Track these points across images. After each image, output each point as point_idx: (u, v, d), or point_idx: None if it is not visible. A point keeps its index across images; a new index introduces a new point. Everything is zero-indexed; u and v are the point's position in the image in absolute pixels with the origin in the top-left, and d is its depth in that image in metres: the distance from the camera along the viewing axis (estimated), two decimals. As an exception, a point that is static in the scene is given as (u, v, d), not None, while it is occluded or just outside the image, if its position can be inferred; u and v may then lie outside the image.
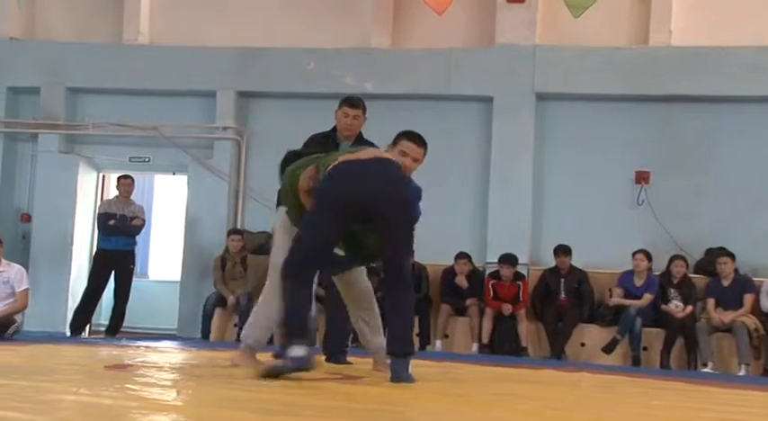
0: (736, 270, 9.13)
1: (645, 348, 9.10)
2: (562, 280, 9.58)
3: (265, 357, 4.88)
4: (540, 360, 8.81)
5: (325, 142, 5.45)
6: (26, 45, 11.07)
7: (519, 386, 4.81)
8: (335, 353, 5.79)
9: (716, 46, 9.90)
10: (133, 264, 10.09)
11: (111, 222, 9.75)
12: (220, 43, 10.73)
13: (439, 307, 9.70)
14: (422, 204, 9.38)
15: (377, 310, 5.34)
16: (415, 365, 5.87)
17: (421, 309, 9.54)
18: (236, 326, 9.69)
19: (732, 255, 9.14)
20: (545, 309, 9.54)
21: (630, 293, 9.30)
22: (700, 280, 9.44)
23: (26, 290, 8.38)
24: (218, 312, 9.83)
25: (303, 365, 4.27)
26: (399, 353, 4.48)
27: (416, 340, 9.31)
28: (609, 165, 10.17)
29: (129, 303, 9.88)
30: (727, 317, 8.89)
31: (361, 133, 5.72)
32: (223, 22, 10.95)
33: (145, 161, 10.88)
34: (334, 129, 5.65)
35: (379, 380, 4.45)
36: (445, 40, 10.47)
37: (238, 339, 9.39)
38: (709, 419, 3.77)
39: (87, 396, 3.32)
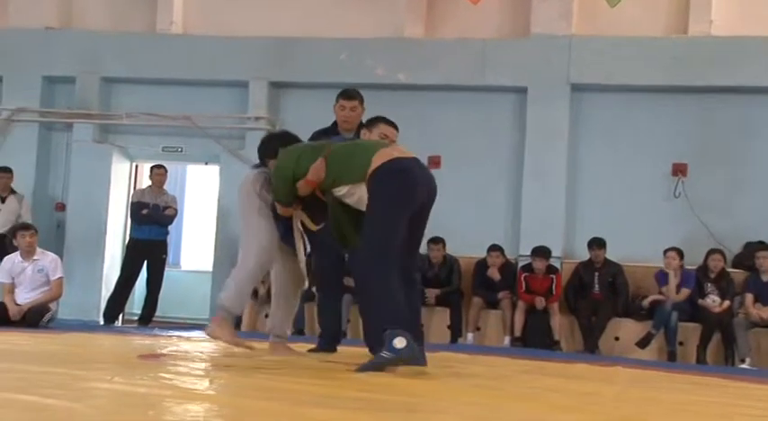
0: (775, 264, 8.99)
1: (681, 343, 9.00)
2: (596, 273, 9.49)
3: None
4: (574, 354, 8.72)
5: (326, 137, 5.47)
6: (62, 34, 11.15)
7: (553, 380, 4.74)
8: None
9: (757, 36, 9.76)
10: (165, 253, 10.14)
11: (144, 212, 9.80)
12: (253, 33, 10.74)
13: (471, 299, 9.64)
14: (453, 195, 9.36)
15: (297, 302, 5.47)
16: (446, 359, 5.85)
17: (453, 301, 9.51)
18: (266, 316, 9.71)
19: (772, 249, 9.00)
20: (579, 303, 9.45)
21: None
22: (738, 274, 9.33)
23: (60, 278, 8.45)
24: (249, 303, 9.83)
25: (408, 355, 4.10)
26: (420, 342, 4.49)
27: (448, 333, 9.41)
28: (645, 158, 10.05)
29: (161, 293, 9.93)
30: (766, 312, 8.75)
31: (361, 123, 5.70)
32: (256, 12, 10.96)
33: (177, 151, 10.92)
34: (335, 124, 5.74)
35: (412, 372, 4.40)
36: (479, 29, 10.41)
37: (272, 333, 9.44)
38: (747, 415, 3.69)
39: (121, 384, 3.31)
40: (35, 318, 8.09)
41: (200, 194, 12.28)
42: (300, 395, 3.32)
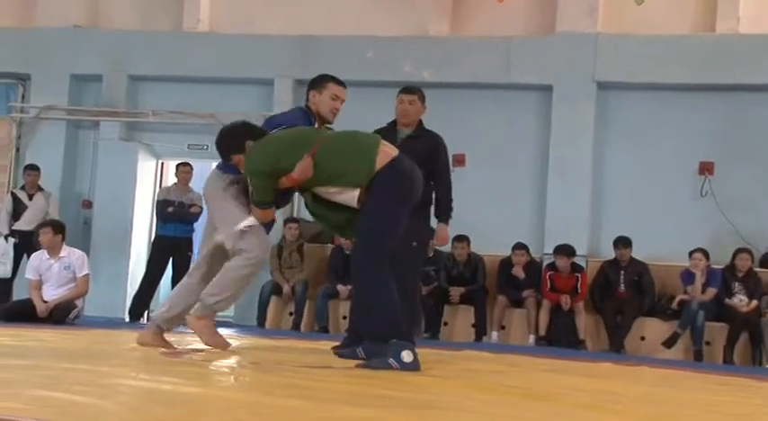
0: (803, 264, 8.91)
1: (707, 343, 8.93)
2: (622, 272, 9.43)
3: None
4: (599, 353, 8.68)
5: (386, 134, 5.40)
6: (89, 33, 11.23)
7: (578, 379, 4.72)
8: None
9: (785, 34, 9.64)
10: (191, 251, 10.17)
11: (170, 209, 9.85)
12: (278, 31, 10.76)
13: (495, 298, 9.62)
14: (478, 193, 9.31)
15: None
16: (471, 357, 5.84)
17: (477, 299, 9.49)
18: (291, 314, 9.74)
19: (800, 249, 8.92)
20: (604, 302, 9.40)
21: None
22: (765, 274, 9.25)
23: (87, 275, 8.50)
24: (273, 300, 9.89)
25: (415, 368, 4.20)
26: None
27: (472, 331, 9.39)
28: (671, 156, 9.98)
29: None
30: (794, 312, 8.67)
31: (421, 121, 5.69)
32: (281, 10, 10.98)
33: (203, 149, 10.96)
34: (394, 122, 5.70)
35: (436, 370, 4.40)
36: (505, 27, 10.37)
37: (297, 328, 9.45)
38: (777, 417, 3.66)
39: (147, 381, 3.34)
40: (61, 315, 8.15)
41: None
42: (327, 393, 3.32)
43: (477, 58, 10.33)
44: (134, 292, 10.10)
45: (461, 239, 9.53)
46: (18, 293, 9.70)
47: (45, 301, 8.25)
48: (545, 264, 9.67)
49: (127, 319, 9.97)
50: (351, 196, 4.47)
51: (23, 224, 9.93)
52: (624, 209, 10.03)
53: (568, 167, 10.00)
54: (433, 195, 5.69)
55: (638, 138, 10.13)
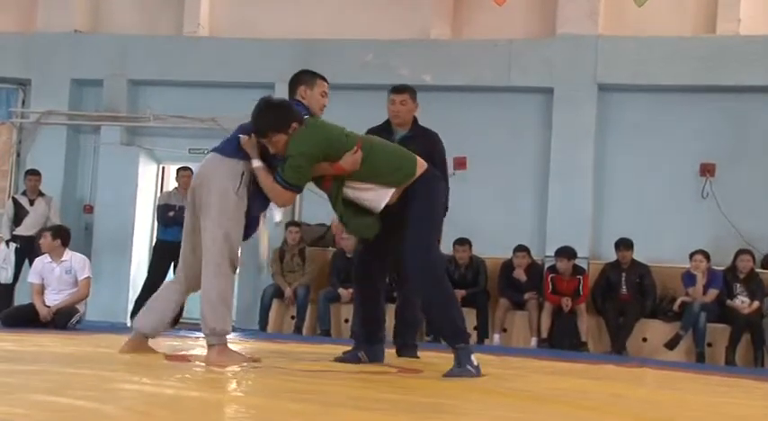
0: (805, 265, 8.90)
1: (709, 344, 8.92)
2: (623, 274, 9.43)
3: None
4: (601, 355, 8.67)
5: (379, 133, 5.40)
6: (90, 38, 11.25)
7: (581, 381, 4.72)
8: (407, 346, 5.67)
9: (785, 35, 9.64)
10: (192, 255, 10.17)
11: (171, 214, 9.84)
12: (279, 35, 10.77)
13: (497, 300, 9.61)
14: (479, 196, 9.36)
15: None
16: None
17: (479, 302, 9.48)
18: (293, 317, 9.74)
19: (802, 250, 8.91)
20: (606, 304, 9.39)
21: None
22: (767, 275, 9.22)
23: (87, 278, 8.48)
24: (275, 304, 9.88)
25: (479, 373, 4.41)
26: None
27: (474, 334, 9.38)
28: (672, 158, 9.98)
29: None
30: (796, 313, 8.66)
31: (415, 119, 5.65)
32: (282, 14, 11.00)
33: (204, 153, 10.87)
34: (388, 122, 5.68)
35: (438, 373, 4.40)
36: (505, 30, 10.37)
37: (299, 331, 9.43)
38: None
39: (150, 385, 3.33)
40: (63, 320, 8.15)
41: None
42: (330, 396, 3.32)
43: (478, 60, 10.34)
44: (135, 297, 10.09)
45: (463, 242, 9.53)
46: (19, 299, 9.70)
47: (47, 306, 8.25)
48: (546, 266, 9.67)
49: (129, 324, 9.96)
50: (381, 195, 4.49)
51: (24, 229, 9.93)
52: (625, 211, 10.02)
53: (570, 170, 10.00)
54: None
55: (639, 140, 10.13)
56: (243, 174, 4.55)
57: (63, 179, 11.00)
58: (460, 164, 9.90)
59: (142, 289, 10.01)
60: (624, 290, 9.41)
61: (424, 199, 4.53)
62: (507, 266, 9.68)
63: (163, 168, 11.46)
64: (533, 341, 9.37)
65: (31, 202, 10.12)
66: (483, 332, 9.40)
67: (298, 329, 9.58)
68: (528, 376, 4.92)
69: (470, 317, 9.51)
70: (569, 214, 9.90)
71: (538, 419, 3.08)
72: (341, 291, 9.56)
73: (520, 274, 9.58)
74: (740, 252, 9.18)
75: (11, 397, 2.90)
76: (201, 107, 10.81)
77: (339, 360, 4.93)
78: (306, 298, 9.70)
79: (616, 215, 10.05)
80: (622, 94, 10.18)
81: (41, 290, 8.36)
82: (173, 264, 9.90)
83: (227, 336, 4.66)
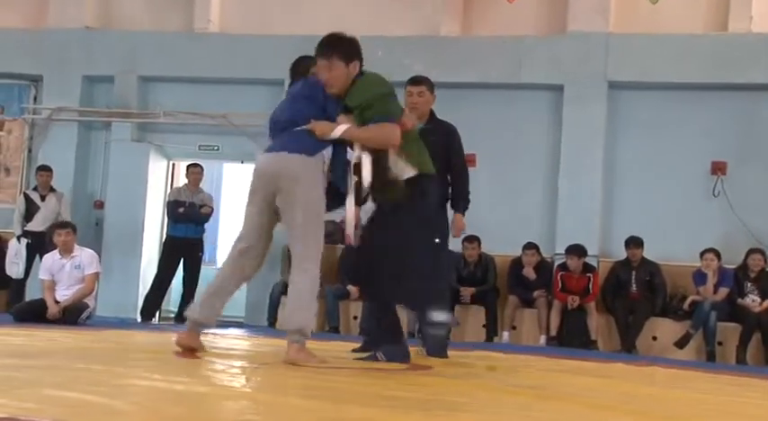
0: (816, 264, 8.86)
1: (720, 343, 8.90)
2: (633, 272, 9.41)
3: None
4: (611, 354, 8.65)
5: None
6: (101, 34, 11.27)
7: (590, 380, 4.71)
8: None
9: (798, 32, 9.60)
10: (202, 251, 10.21)
11: (181, 210, 9.88)
12: (289, 31, 10.75)
13: (506, 298, 9.60)
14: (489, 193, 9.34)
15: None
16: (482, 358, 5.83)
17: (488, 300, 9.47)
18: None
19: (813, 249, 8.87)
20: (616, 302, 9.38)
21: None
22: (778, 274, 9.19)
23: (94, 273, 8.45)
24: (284, 300, 9.83)
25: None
26: None
27: (483, 331, 9.37)
28: (683, 156, 9.94)
29: (197, 290, 9.99)
30: (807, 312, 8.62)
31: (432, 112, 5.64)
32: (292, 10, 10.99)
33: (214, 149, 11.00)
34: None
35: (448, 370, 4.40)
36: (516, 27, 10.35)
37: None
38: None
39: (160, 381, 3.34)
40: (73, 316, 8.17)
41: (237, 193, 12.33)
42: (338, 393, 3.32)
43: (488, 58, 10.31)
44: (145, 292, 10.13)
45: (472, 239, 9.52)
46: (30, 294, 9.74)
47: (57, 302, 8.27)
48: (556, 264, 9.65)
49: (139, 320, 10.00)
50: (405, 169, 4.53)
51: (36, 225, 9.98)
52: (636, 209, 10.00)
53: (579, 167, 9.98)
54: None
55: (649, 138, 10.10)
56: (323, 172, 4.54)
57: (74, 175, 11.03)
58: (470, 161, 9.77)
59: (152, 284, 10.06)
60: (634, 288, 9.39)
61: (423, 202, 4.66)
62: (516, 264, 9.67)
63: (173, 164, 11.48)
64: (542, 339, 9.36)
65: (43, 198, 10.16)
66: (492, 329, 9.39)
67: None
68: (537, 374, 4.91)
69: (479, 315, 9.52)
70: (579, 212, 9.88)
71: (548, 417, 3.08)
72: (350, 287, 9.55)
73: (529, 272, 9.57)
74: (751, 251, 9.15)
75: (21, 391, 2.91)
76: (212, 103, 10.83)
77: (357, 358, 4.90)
78: (314, 294, 9.68)
79: (626, 213, 10.03)
80: (633, 91, 10.15)
81: (52, 286, 8.37)
82: (182, 259, 9.97)
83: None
